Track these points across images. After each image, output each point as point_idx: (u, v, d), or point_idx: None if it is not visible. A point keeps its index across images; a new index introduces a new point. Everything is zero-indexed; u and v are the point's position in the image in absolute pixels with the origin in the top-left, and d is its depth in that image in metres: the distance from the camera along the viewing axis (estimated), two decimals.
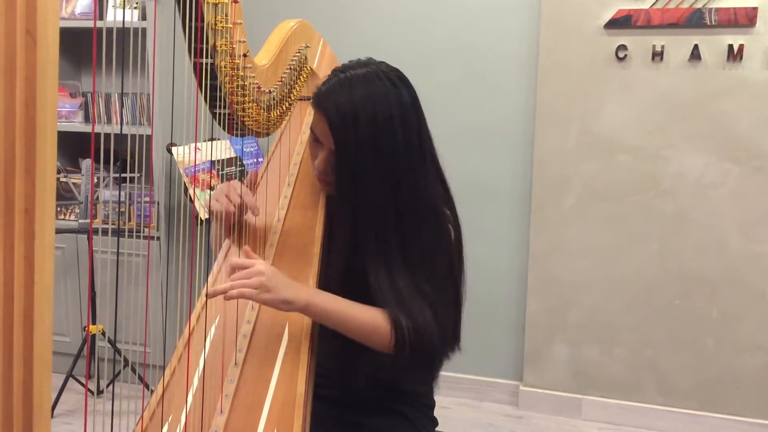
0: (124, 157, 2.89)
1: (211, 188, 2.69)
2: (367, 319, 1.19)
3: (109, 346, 2.79)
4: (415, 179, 1.24)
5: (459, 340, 1.31)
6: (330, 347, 1.26)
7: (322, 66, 1.61)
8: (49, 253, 0.62)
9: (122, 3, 2.75)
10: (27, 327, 0.62)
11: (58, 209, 3.07)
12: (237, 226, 1.32)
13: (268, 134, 1.39)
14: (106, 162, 2.36)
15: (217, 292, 1.11)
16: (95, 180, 2.72)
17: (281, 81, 1.38)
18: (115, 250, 2.63)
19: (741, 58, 2.52)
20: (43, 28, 0.58)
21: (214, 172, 2.73)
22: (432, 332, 1.20)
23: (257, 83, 1.26)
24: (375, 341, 1.20)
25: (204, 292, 1.22)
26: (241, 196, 1.29)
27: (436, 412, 1.48)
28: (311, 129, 1.29)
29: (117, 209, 2.84)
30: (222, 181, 2.74)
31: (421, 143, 1.25)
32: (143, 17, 2.84)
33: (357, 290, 1.23)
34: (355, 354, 1.25)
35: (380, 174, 1.20)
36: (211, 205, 1.31)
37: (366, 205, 1.21)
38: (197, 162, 2.66)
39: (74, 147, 3.15)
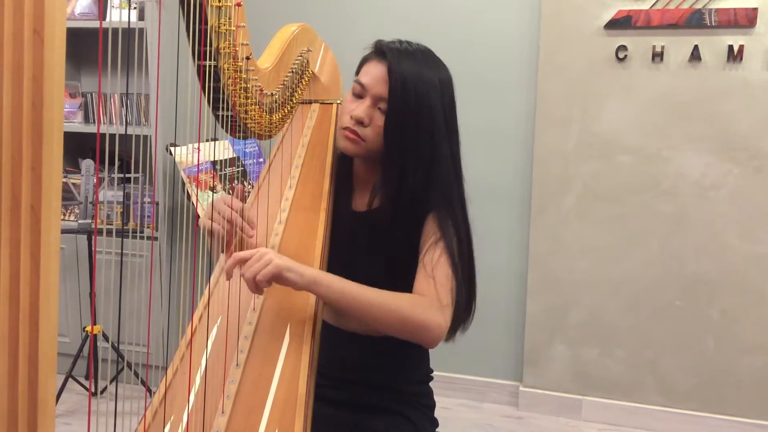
0: (125, 157, 2.90)
1: (212, 188, 2.69)
2: (396, 302, 1.17)
3: (108, 346, 2.80)
4: (456, 149, 1.31)
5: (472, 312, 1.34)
6: (332, 348, 1.27)
7: (324, 70, 1.62)
8: (55, 250, 0.62)
9: (122, 3, 2.75)
10: (32, 324, 0.62)
11: None
12: (237, 234, 1.31)
13: (270, 137, 1.39)
14: (106, 162, 2.37)
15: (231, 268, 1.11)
16: (95, 180, 2.72)
17: (283, 84, 1.38)
18: (116, 251, 2.64)
19: (741, 58, 2.52)
20: (50, 28, 0.58)
21: (215, 172, 2.73)
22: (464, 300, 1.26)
23: (260, 86, 1.26)
24: (412, 326, 1.17)
25: (206, 292, 1.23)
26: (232, 214, 1.26)
27: (436, 413, 1.48)
28: (356, 82, 1.32)
29: (120, 210, 2.84)
30: (222, 182, 2.74)
31: (456, 123, 1.32)
32: (141, 18, 2.84)
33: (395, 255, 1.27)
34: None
35: (434, 129, 1.25)
36: (202, 222, 1.28)
37: (418, 158, 1.26)
38: (197, 162, 2.66)
39: (73, 147, 3.15)
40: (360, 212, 1.38)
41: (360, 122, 1.28)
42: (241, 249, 1.25)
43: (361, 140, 1.29)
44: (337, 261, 1.30)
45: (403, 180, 1.26)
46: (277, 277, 1.11)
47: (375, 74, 1.27)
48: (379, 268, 1.27)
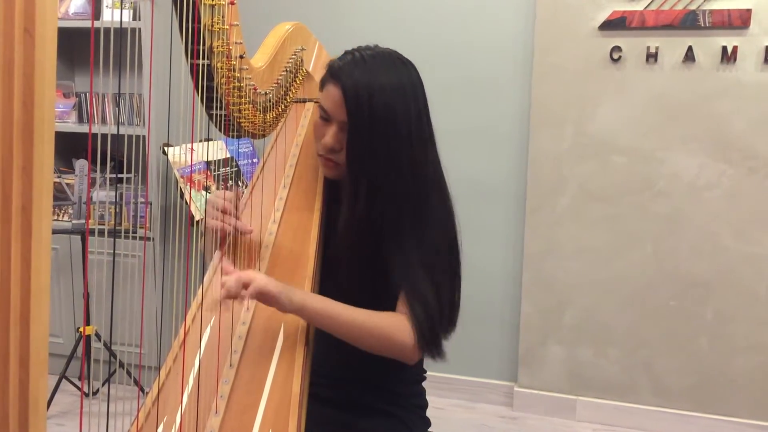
0: (119, 158, 2.89)
1: (206, 188, 2.68)
2: (374, 322, 1.20)
3: (103, 347, 2.79)
4: (427, 153, 1.28)
5: (455, 322, 1.31)
6: (326, 346, 1.26)
7: (318, 69, 1.61)
8: (46, 251, 0.62)
9: (117, 3, 2.74)
10: (23, 325, 0.62)
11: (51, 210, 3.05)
12: (231, 235, 1.31)
13: (263, 136, 1.39)
14: (101, 162, 2.36)
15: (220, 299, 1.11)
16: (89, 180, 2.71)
17: (277, 83, 1.38)
18: (110, 251, 2.63)
19: (735, 59, 2.53)
20: (41, 27, 0.58)
21: (209, 172, 2.72)
22: (437, 317, 1.23)
23: (253, 85, 1.26)
24: (388, 348, 1.21)
25: (199, 292, 1.22)
26: (235, 212, 1.28)
27: (430, 413, 1.48)
28: (319, 106, 1.30)
29: (113, 210, 2.83)
30: (216, 182, 2.74)
31: (429, 119, 1.29)
32: (135, 17, 2.83)
33: (366, 273, 1.25)
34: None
35: (396, 144, 1.22)
36: (207, 222, 1.29)
37: (383, 177, 1.23)
38: (191, 162, 2.65)
39: (68, 147, 3.14)
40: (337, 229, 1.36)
41: (332, 149, 1.29)
42: (234, 247, 1.25)
43: (338, 164, 1.30)
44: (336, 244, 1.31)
45: (368, 196, 1.24)
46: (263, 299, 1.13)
47: (333, 99, 1.25)
48: (356, 282, 1.27)
